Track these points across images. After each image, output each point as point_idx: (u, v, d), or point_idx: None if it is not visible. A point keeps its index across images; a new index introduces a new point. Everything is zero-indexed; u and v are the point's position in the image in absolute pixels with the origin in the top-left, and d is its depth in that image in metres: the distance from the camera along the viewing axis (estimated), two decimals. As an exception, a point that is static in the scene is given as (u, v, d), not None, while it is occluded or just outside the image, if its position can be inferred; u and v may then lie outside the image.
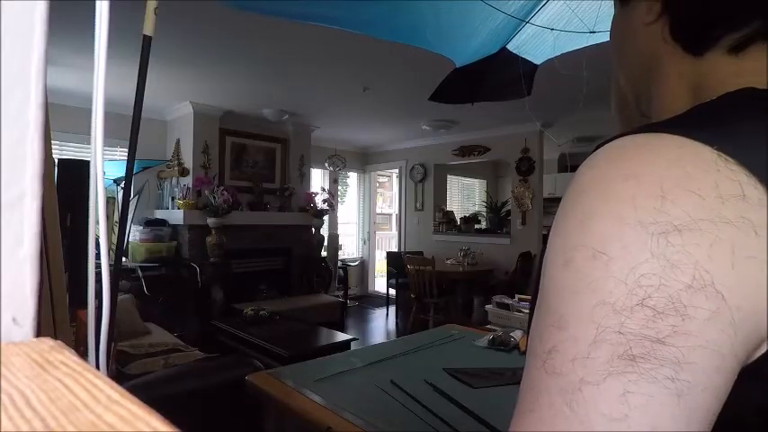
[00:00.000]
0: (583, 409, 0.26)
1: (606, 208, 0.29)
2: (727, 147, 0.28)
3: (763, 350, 0.28)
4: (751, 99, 0.33)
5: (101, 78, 0.30)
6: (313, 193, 5.50)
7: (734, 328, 0.26)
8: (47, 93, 0.25)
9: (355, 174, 7.44)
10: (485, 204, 7.40)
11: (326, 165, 6.25)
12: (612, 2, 0.48)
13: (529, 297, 2.26)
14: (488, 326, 2.19)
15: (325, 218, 5.73)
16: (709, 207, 0.26)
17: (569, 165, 7.31)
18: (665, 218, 0.27)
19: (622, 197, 0.28)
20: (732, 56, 0.37)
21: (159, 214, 4.75)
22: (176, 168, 4.68)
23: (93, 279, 0.38)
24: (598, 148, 0.33)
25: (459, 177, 7.91)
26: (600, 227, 0.28)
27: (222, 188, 4.51)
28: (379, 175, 7.71)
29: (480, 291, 5.17)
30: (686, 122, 0.32)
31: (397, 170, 7.13)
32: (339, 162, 6.21)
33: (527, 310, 2.10)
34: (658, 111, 0.42)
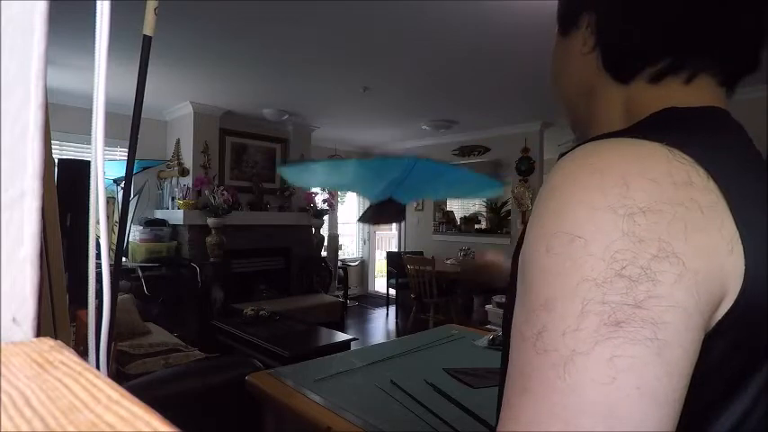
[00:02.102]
0: (574, 378, 0.28)
1: (578, 198, 0.33)
2: (674, 142, 0.33)
3: (724, 310, 0.32)
4: (674, 113, 0.40)
5: (101, 78, 0.30)
6: (313, 193, 5.49)
7: (696, 288, 0.30)
8: (47, 93, 0.25)
9: (355, 174, 7.43)
10: (485, 204, 7.39)
11: (326, 165, 6.23)
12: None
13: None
14: (488, 326, 2.19)
15: (325, 218, 5.73)
16: (665, 191, 0.31)
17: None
18: (631, 202, 0.31)
19: (592, 187, 0.32)
20: (653, 85, 0.43)
21: (159, 214, 4.75)
22: (176, 168, 4.67)
23: (94, 279, 0.38)
24: (561, 157, 0.38)
25: (459, 177, 7.89)
26: (574, 214, 0.32)
27: (222, 188, 4.50)
28: (379, 175, 7.70)
29: (480, 291, 5.17)
30: (633, 131, 0.38)
31: (397, 170, 7.12)
32: (339, 162, 6.20)
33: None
34: (597, 130, 0.47)
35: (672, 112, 0.41)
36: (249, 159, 5.20)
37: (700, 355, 0.31)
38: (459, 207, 7.76)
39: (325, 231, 5.94)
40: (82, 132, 3.95)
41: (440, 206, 6.60)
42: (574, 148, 0.38)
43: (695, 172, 0.32)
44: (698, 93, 0.42)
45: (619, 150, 0.35)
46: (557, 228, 0.33)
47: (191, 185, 4.53)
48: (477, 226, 6.56)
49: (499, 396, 0.48)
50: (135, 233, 4.39)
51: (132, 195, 4.25)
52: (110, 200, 3.83)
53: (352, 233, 7.49)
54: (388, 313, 6.12)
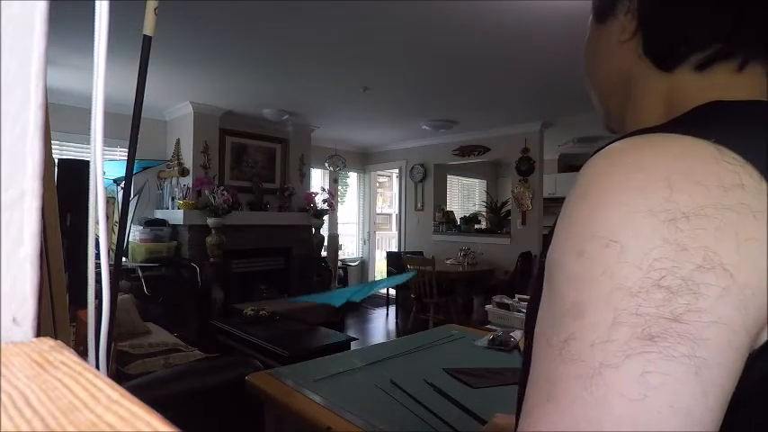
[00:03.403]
0: (601, 391, 0.27)
1: (614, 199, 0.30)
2: (723, 140, 0.30)
3: None
4: (721, 106, 0.37)
5: (101, 78, 0.30)
6: (313, 193, 5.50)
7: (744, 304, 0.27)
8: (47, 93, 0.25)
9: (355, 174, 7.44)
10: (485, 204, 7.39)
11: (326, 165, 6.25)
12: None
13: (529, 297, 2.26)
14: (488, 326, 2.19)
15: (326, 218, 5.73)
16: (712, 195, 0.28)
17: (569, 165, 7.31)
18: (674, 206, 0.28)
19: (630, 188, 0.30)
20: (699, 73, 0.40)
21: (159, 214, 4.75)
22: (176, 168, 4.67)
23: (93, 279, 0.38)
24: (594, 154, 0.35)
25: (459, 177, 7.91)
26: (610, 217, 0.30)
27: (222, 188, 4.51)
28: (379, 175, 7.71)
29: (480, 291, 5.17)
30: (675, 126, 0.34)
31: (397, 170, 7.13)
32: (339, 162, 6.21)
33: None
34: (633, 124, 0.45)
35: (718, 105, 0.37)
36: (249, 159, 5.20)
37: (742, 373, 0.28)
38: (459, 207, 7.78)
39: (325, 231, 5.94)
40: (82, 132, 3.95)
41: (440, 206, 6.60)
42: (607, 145, 0.35)
43: (746, 173, 0.29)
44: (747, 83, 0.38)
45: (661, 148, 0.32)
46: (589, 230, 0.30)
47: (191, 185, 4.53)
48: (477, 226, 6.57)
49: (519, 396, 0.46)
50: (135, 233, 4.39)
51: (132, 195, 4.25)
52: (110, 200, 3.83)
53: (352, 233, 7.49)
54: (388, 313, 6.12)
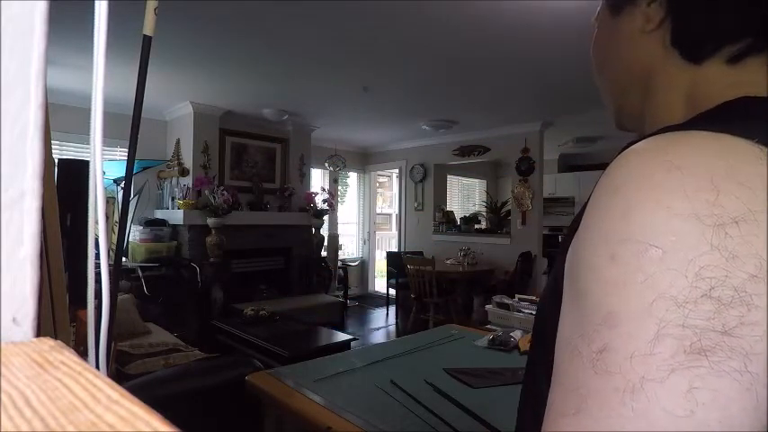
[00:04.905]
0: (643, 406, 0.25)
1: (652, 200, 0.28)
2: (761, 138, 0.28)
3: None
4: (752, 103, 0.35)
5: (100, 78, 0.30)
6: (313, 193, 5.50)
7: None
8: (47, 93, 0.25)
9: (355, 174, 7.44)
10: (485, 204, 7.39)
11: (326, 165, 6.25)
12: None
13: (529, 297, 2.26)
14: (488, 326, 2.19)
15: (326, 218, 5.73)
16: (761, 199, 0.26)
17: (569, 165, 7.31)
18: (721, 210, 0.26)
19: (669, 189, 0.28)
20: (729, 66, 0.38)
21: (159, 214, 4.75)
22: (176, 168, 4.68)
23: (93, 279, 0.38)
24: (622, 151, 0.33)
25: (459, 177, 7.91)
26: (648, 219, 0.28)
27: (222, 188, 4.51)
28: (379, 175, 7.71)
29: (480, 291, 5.17)
30: (704, 122, 0.32)
31: (397, 170, 7.13)
32: (339, 162, 6.21)
33: (527, 311, 2.10)
34: (652, 120, 0.43)
35: (749, 101, 0.35)
36: (249, 159, 5.20)
37: None
38: (459, 207, 7.78)
39: (325, 231, 5.94)
40: (82, 132, 3.95)
41: (440, 206, 6.60)
42: (635, 142, 0.33)
43: None
44: None
45: (699, 146, 0.29)
46: (624, 233, 0.28)
47: (191, 185, 4.53)
48: (477, 226, 6.57)
49: (523, 394, 0.45)
50: (135, 233, 4.39)
51: (132, 195, 4.25)
52: (110, 200, 3.83)
53: (352, 233, 7.49)
54: (388, 313, 6.12)
